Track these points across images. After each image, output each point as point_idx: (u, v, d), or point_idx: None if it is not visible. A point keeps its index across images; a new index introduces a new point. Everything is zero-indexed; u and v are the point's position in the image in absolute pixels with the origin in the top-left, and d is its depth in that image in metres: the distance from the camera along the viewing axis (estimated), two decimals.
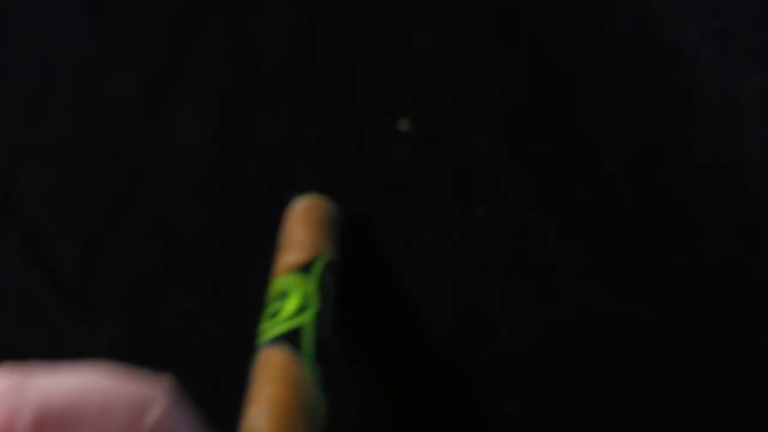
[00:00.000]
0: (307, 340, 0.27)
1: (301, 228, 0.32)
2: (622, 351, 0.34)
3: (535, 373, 0.33)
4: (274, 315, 0.28)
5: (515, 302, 0.35)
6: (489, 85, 0.40)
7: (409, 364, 0.34)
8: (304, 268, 0.30)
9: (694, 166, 0.38)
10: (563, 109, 0.39)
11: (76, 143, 0.38)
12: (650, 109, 0.39)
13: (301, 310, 0.28)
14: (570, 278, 0.35)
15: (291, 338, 0.27)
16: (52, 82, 0.40)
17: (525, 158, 0.38)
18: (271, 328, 0.28)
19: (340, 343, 0.31)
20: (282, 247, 0.32)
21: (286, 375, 0.26)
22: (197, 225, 0.36)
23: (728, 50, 0.40)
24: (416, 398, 0.33)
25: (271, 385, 0.25)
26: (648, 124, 0.39)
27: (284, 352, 0.26)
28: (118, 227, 0.36)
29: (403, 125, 0.38)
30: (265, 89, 0.40)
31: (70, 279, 0.35)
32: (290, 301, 0.28)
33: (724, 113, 0.39)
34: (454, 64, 0.40)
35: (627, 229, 0.36)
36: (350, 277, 0.32)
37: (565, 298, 0.35)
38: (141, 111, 0.39)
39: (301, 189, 0.36)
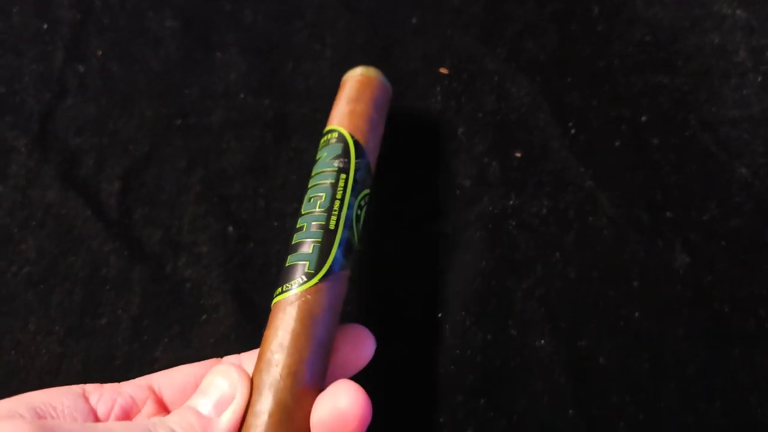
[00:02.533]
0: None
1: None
2: (655, 296, 0.34)
3: (569, 314, 0.34)
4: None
5: (549, 245, 0.35)
6: (523, 37, 0.41)
7: (441, 299, 0.34)
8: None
9: (725, 120, 0.38)
10: (597, 62, 0.40)
11: (117, 80, 0.38)
12: (682, 66, 0.40)
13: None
14: (603, 225, 0.36)
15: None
16: (94, 21, 0.40)
17: (559, 108, 0.39)
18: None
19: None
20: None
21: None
22: (238, 160, 0.37)
23: (759, 10, 0.41)
24: (448, 331, 0.33)
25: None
26: (679, 81, 0.40)
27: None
28: (157, 160, 0.36)
29: (443, 70, 0.39)
30: (306, 33, 0.40)
31: (111, 207, 0.35)
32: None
33: (754, 71, 0.40)
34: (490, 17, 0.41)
35: (660, 179, 0.37)
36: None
37: (599, 244, 0.35)
38: (182, 52, 0.39)
39: None
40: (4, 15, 0.40)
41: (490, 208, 0.36)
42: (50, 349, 0.32)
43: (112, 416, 0.24)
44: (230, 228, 0.35)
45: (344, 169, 0.29)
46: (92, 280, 0.34)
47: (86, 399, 0.24)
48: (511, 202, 0.36)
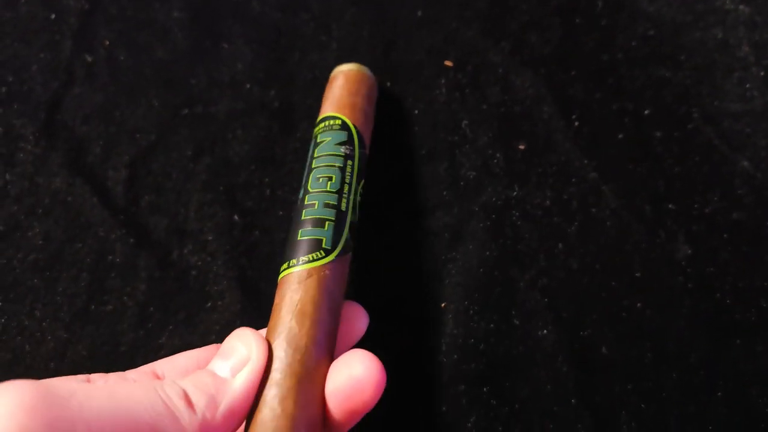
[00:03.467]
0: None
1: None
2: (658, 287, 0.34)
3: (572, 304, 0.34)
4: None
5: (553, 236, 0.36)
6: (528, 31, 0.41)
7: (445, 288, 0.34)
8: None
9: (727, 113, 0.39)
10: (601, 55, 0.40)
11: (124, 69, 0.39)
12: (685, 60, 0.40)
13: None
14: (606, 216, 0.36)
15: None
16: (102, 11, 0.40)
17: (563, 100, 0.39)
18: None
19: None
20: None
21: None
22: (244, 150, 0.37)
23: (762, 6, 0.41)
24: (451, 320, 0.34)
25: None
26: (682, 74, 0.40)
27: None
28: (164, 149, 0.37)
29: (448, 63, 0.39)
30: (312, 25, 0.41)
31: (117, 195, 0.35)
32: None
33: (757, 66, 0.40)
34: (494, 10, 0.41)
35: (662, 171, 0.37)
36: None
37: (602, 235, 0.36)
38: (189, 42, 0.40)
39: None
40: (12, 5, 0.40)
41: (494, 199, 0.36)
42: (56, 335, 0.32)
43: None
44: (236, 216, 0.35)
45: (350, 156, 0.30)
46: (98, 266, 0.34)
47: None
48: (515, 193, 0.37)
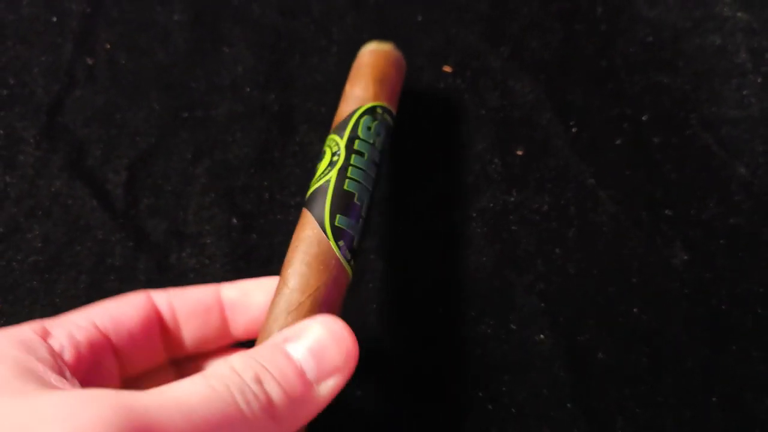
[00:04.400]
0: (329, 196, 0.27)
1: (348, 84, 0.33)
2: (654, 292, 0.35)
3: (569, 309, 0.34)
4: (313, 178, 0.29)
5: (551, 241, 0.36)
6: (528, 36, 0.41)
7: (442, 293, 0.35)
8: (341, 125, 0.30)
9: (725, 119, 0.39)
10: (600, 61, 0.41)
11: (125, 72, 0.39)
12: (683, 66, 0.41)
13: (329, 166, 0.28)
14: (604, 222, 0.36)
15: (314, 197, 0.28)
16: (103, 14, 0.41)
17: (561, 106, 0.39)
18: (309, 191, 0.28)
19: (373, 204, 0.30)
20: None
21: (302, 237, 0.27)
22: (243, 153, 0.37)
23: (760, 12, 0.41)
24: (448, 325, 0.34)
25: (292, 251, 0.27)
26: (681, 80, 0.40)
27: (304, 214, 0.27)
28: (164, 152, 0.37)
29: (447, 68, 0.39)
30: (312, 29, 0.41)
31: (117, 198, 0.36)
32: (323, 160, 0.29)
33: (754, 73, 0.40)
34: (494, 15, 0.42)
35: (660, 177, 0.37)
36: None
37: (599, 240, 0.36)
38: (190, 45, 0.40)
39: None
40: (14, 7, 0.40)
41: (492, 204, 0.37)
42: None
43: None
44: (235, 219, 0.35)
45: (381, 162, 0.30)
46: (98, 269, 0.34)
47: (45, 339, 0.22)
48: (513, 198, 0.37)
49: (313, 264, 0.26)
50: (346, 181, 0.28)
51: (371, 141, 0.30)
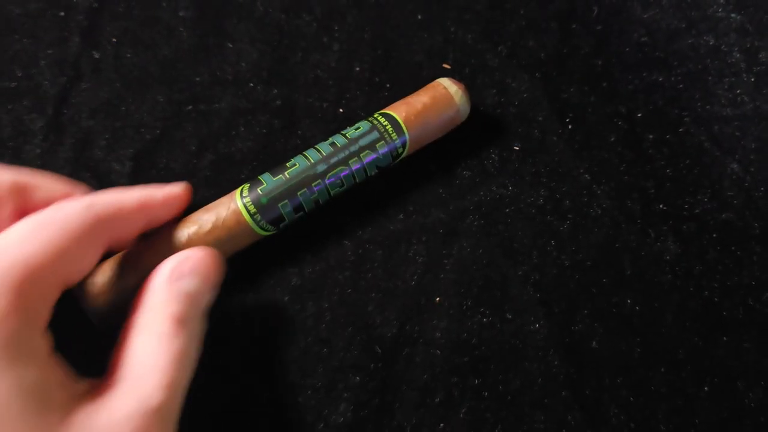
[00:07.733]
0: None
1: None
2: (647, 285, 0.35)
3: (563, 300, 0.35)
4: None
5: (546, 234, 0.37)
6: (525, 35, 0.42)
7: (440, 284, 0.35)
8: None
9: (718, 117, 0.40)
10: (595, 60, 0.41)
11: (131, 66, 0.40)
12: (677, 65, 0.41)
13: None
14: (598, 216, 0.37)
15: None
16: (110, 9, 0.41)
17: (558, 103, 0.40)
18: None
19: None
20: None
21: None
22: (246, 146, 0.38)
23: (753, 13, 0.42)
24: (445, 315, 0.34)
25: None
26: (674, 79, 0.41)
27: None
28: (168, 144, 0.37)
29: (446, 66, 0.40)
30: (315, 26, 0.42)
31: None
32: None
33: (747, 72, 0.41)
34: (492, 14, 0.43)
35: (653, 172, 0.38)
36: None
37: (593, 233, 0.37)
38: (194, 40, 0.41)
39: (349, 116, 0.38)
40: (22, 1, 0.41)
41: (488, 198, 0.37)
42: None
43: None
44: None
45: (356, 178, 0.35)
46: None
47: None
48: (509, 192, 0.38)
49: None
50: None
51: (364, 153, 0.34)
